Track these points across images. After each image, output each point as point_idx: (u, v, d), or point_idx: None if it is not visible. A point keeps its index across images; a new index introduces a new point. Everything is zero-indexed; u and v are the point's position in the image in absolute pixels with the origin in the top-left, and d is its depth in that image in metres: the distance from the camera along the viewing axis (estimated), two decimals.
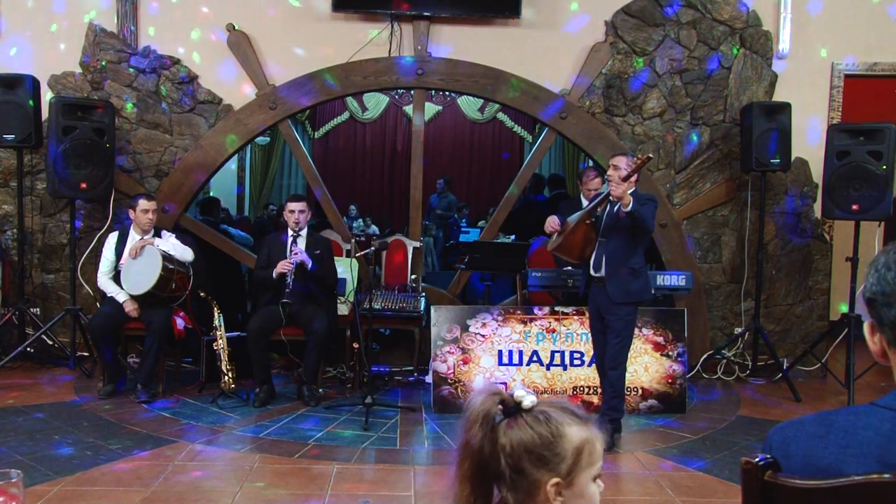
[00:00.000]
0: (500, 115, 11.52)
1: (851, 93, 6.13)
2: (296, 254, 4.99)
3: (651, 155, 4.50)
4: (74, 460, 3.80)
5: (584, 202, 4.95)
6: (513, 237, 7.29)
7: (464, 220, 10.61)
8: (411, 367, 5.72)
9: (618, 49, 5.96)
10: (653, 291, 4.71)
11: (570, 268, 5.01)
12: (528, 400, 1.28)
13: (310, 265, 5.00)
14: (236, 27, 5.87)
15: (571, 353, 5.00)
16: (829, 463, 1.15)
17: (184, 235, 5.34)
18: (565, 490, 1.27)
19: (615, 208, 4.23)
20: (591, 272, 4.35)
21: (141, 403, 4.81)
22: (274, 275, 4.98)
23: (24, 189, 5.73)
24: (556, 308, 5.09)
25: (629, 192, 4.09)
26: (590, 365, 4.90)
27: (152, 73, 5.89)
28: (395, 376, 5.72)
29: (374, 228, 10.28)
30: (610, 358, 4.29)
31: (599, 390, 4.62)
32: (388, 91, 10.47)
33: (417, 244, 5.99)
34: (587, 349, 4.85)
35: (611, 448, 4.25)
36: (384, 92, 10.75)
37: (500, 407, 1.29)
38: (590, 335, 4.61)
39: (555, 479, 1.26)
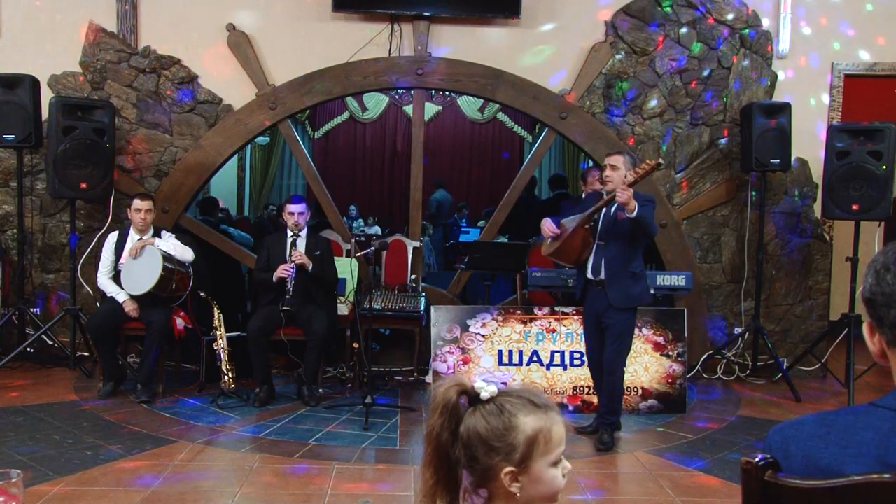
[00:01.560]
0: (500, 115, 11.52)
1: (851, 93, 6.13)
2: (296, 256, 4.99)
3: (662, 161, 4.40)
4: (74, 460, 3.80)
5: None
6: (505, 238, 7.27)
7: (464, 220, 10.61)
8: (411, 367, 5.72)
9: (618, 49, 5.96)
10: (652, 292, 4.70)
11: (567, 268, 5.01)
12: (486, 392, 1.33)
13: (310, 267, 5.00)
14: (236, 27, 5.87)
15: (571, 353, 5.00)
16: (829, 463, 1.15)
17: (183, 235, 5.34)
18: (521, 477, 1.31)
19: (612, 211, 4.20)
20: (590, 276, 4.30)
21: (141, 403, 4.81)
22: (273, 279, 4.98)
23: (24, 189, 5.73)
24: (556, 308, 5.10)
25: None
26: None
27: (152, 73, 5.89)
28: (395, 376, 5.73)
29: (376, 229, 10.27)
30: (608, 361, 4.28)
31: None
32: (388, 91, 10.47)
33: (417, 244, 5.99)
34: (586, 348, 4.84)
35: (610, 448, 4.25)
36: (384, 92, 10.75)
37: (463, 397, 1.35)
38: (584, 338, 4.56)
39: (508, 468, 1.31)
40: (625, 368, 4.40)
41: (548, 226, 4.38)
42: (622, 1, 5.97)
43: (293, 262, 4.98)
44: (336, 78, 5.85)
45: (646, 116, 6.01)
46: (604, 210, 4.26)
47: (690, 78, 5.99)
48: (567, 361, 5.01)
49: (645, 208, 4.05)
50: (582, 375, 4.92)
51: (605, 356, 4.29)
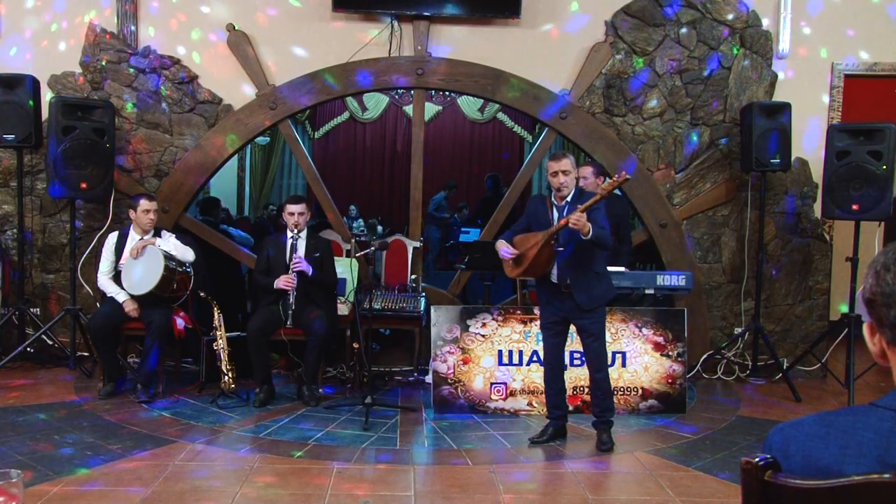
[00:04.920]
0: (500, 115, 11.52)
1: (851, 93, 6.13)
2: (296, 263, 4.98)
3: (629, 176, 4.10)
4: (74, 460, 3.80)
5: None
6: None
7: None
8: (411, 367, 5.72)
9: (618, 49, 5.96)
10: (650, 292, 4.66)
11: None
12: None
13: (310, 272, 5.00)
14: (236, 27, 5.87)
15: (571, 353, 4.98)
16: (829, 463, 1.15)
17: (183, 235, 5.34)
18: None
19: (566, 213, 4.10)
20: (556, 281, 4.21)
21: (141, 403, 4.81)
22: (276, 286, 4.98)
23: (24, 189, 5.73)
24: None
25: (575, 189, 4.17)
26: None
27: (152, 73, 5.89)
28: (395, 376, 5.73)
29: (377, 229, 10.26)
30: (595, 361, 4.27)
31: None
32: (388, 91, 10.47)
33: (417, 244, 5.99)
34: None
35: (611, 448, 4.25)
36: (384, 92, 10.74)
37: None
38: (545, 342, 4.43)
39: None
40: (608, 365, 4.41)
41: (505, 251, 4.21)
42: (622, 1, 5.97)
43: (293, 269, 4.96)
44: (336, 78, 5.85)
45: (646, 116, 6.01)
46: (557, 215, 4.18)
47: (690, 78, 5.99)
48: (567, 361, 4.98)
49: (598, 212, 4.01)
50: (582, 375, 4.92)
51: (591, 356, 4.28)
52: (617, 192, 4.15)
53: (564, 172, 4.11)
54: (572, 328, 4.40)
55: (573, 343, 4.99)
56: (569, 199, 4.17)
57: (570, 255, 4.14)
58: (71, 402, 4.82)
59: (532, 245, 4.15)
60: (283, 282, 4.96)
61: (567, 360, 5.00)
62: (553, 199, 4.24)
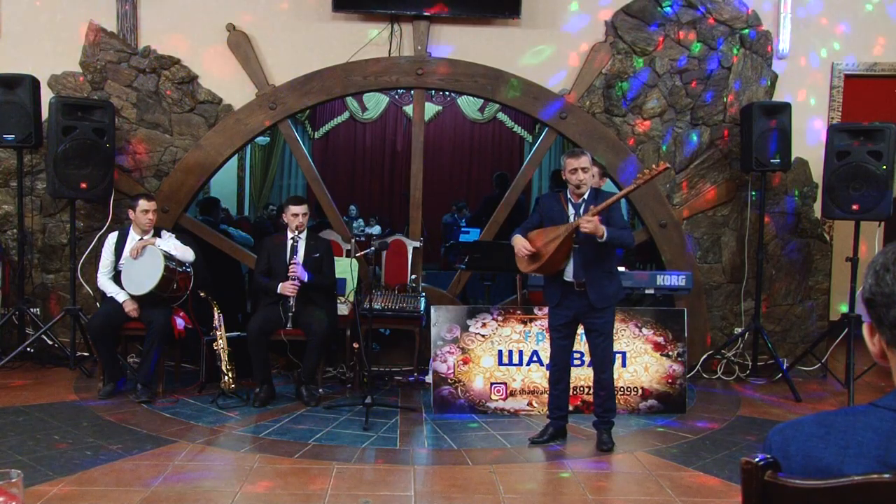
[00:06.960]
0: (500, 115, 11.52)
1: (851, 93, 6.14)
2: (294, 272, 4.98)
3: (669, 165, 4.15)
4: (74, 460, 3.80)
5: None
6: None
7: (463, 220, 10.60)
8: (411, 367, 5.72)
9: (618, 49, 5.96)
10: (651, 292, 4.66)
11: None
12: None
13: (306, 279, 5.00)
14: (236, 27, 5.87)
15: (571, 353, 4.98)
16: (829, 463, 1.15)
17: (183, 235, 5.34)
18: None
19: (582, 211, 4.12)
20: (570, 279, 4.19)
21: (141, 403, 4.81)
22: (279, 291, 4.99)
23: (24, 189, 5.73)
24: None
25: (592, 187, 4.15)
26: (589, 365, 4.88)
27: (152, 73, 5.89)
28: (395, 376, 5.73)
29: (376, 229, 10.27)
30: (600, 361, 4.27)
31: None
32: (388, 91, 10.47)
33: (417, 244, 5.99)
34: (587, 349, 4.83)
35: (611, 448, 4.24)
36: (384, 92, 10.74)
37: None
38: (552, 341, 4.41)
39: None
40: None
41: (522, 244, 4.19)
42: (622, 1, 5.97)
43: (291, 276, 4.96)
44: (336, 78, 5.85)
45: (646, 116, 6.01)
46: (572, 212, 4.18)
47: (690, 78, 5.99)
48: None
49: (615, 212, 4.00)
50: (582, 375, 4.92)
51: (598, 356, 4.27)
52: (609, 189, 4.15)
53: (584, 169, 4.10)
54: (579, 329, 4.40)
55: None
56: (585, 196, 4.16)
57: (586, 252, 4.13)
58: (71, 402, 4.82)
59: (551, 240, 4.12)
60: (287, 289, 4.97)
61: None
62: (569, 196, 4.22)
